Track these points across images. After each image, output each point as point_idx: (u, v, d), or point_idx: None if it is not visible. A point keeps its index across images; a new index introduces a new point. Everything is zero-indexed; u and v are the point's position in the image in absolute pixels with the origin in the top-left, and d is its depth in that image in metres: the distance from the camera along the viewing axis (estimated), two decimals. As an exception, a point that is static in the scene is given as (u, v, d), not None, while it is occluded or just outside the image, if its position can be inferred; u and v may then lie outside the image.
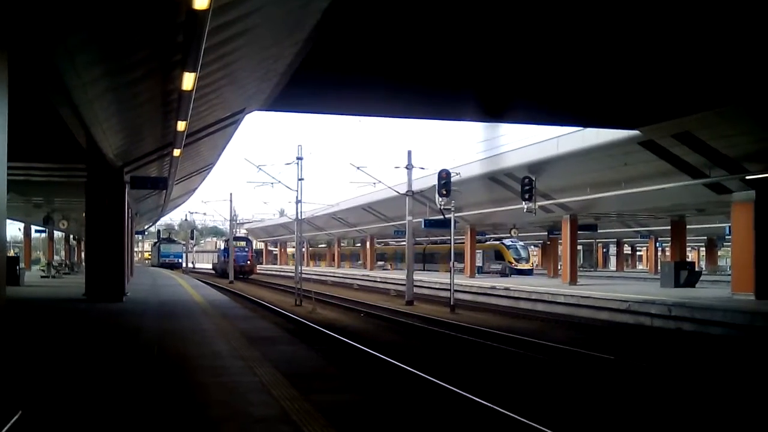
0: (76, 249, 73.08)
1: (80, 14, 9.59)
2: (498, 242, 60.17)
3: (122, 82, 13.88)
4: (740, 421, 10.79)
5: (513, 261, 57.62)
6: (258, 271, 76.91)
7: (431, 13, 14.54)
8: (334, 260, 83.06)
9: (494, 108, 22.06)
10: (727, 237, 41.88)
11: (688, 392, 12.98)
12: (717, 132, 22.77)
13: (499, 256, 59.51)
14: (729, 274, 32.72)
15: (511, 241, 58.54)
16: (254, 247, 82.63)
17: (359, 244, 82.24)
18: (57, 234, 65.49)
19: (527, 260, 59.68)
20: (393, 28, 15.26)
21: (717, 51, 16.25)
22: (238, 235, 77.86)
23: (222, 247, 79.82)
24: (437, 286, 41.67)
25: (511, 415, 10.07)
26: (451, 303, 31.18)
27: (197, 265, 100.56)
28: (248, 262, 69.19)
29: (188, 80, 12.04)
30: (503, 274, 54.70)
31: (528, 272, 56.41)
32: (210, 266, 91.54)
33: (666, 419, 10.85)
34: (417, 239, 56.43)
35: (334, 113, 33.43)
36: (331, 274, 67.33)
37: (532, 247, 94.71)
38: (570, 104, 21.62)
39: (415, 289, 36.42)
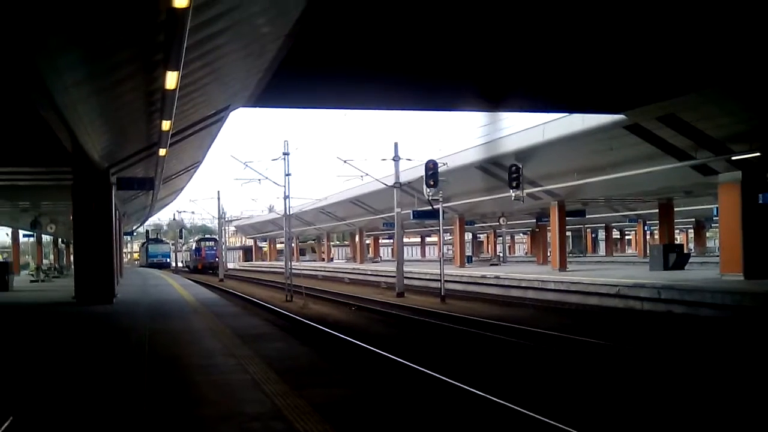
0: (65, 252, 72.92)
1: (59, 15, 9.54)
2: None
3: (105, 84, 13.83)
4: (728, 400, 10.85)
5: None
6: (246, 268, 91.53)
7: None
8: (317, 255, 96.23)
9: (482, 97, 22.00)
10: (714, 218, 42.00)
11: (677, 374, 13.05)
12: (702, 113, 22.83)
13: None
14: (717, 256, 32.82)
15: None
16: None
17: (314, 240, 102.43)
18: (45, 238, 65.28)
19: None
20: (374, 19, 15.19)
21: (700, 33, 16.27)
22: (208, 236, 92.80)
23: (193, 247, 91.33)
24: (427, 277, 41.69)
25: (503, 402, 10.11)
26: (442, 293, 31.22)
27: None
28: (216, 259, 74.23)
29: (171, 79, 12.03)
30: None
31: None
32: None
33: (653, 401, 10.91)
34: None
35: (319, 107, 33.19)
36: (321, 269, 67.40)
37: (521, 234, 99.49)
38: (555, 90, 21.59)
39: (405, 281, 36.41)
